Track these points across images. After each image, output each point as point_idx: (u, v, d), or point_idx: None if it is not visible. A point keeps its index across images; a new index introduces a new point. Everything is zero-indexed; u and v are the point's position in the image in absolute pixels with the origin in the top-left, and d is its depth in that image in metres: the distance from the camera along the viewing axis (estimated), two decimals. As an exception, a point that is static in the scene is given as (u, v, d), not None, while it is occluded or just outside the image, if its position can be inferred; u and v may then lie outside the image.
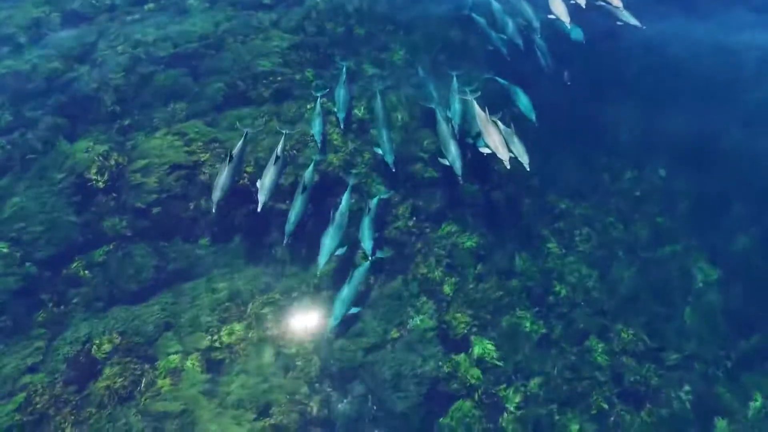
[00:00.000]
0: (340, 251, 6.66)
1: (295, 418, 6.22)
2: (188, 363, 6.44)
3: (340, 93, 7.91)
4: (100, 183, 7.41)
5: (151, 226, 7.30)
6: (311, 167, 7.20)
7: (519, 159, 6.99)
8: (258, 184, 6.79)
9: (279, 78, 8.59)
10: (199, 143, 7.75)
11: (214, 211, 6.71)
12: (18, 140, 7.79)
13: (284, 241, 6.64)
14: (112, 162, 7.54)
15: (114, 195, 7.41)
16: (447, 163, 7.23)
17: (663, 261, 7.95)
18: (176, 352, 6.51)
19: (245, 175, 7.49)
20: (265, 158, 7.48)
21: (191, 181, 7.52)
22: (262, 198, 6.62)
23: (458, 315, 7.03)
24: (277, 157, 6.90)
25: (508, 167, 6.87)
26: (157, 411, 6.11)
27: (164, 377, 6.34)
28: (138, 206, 7.31)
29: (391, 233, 7.50)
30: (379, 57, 9.19)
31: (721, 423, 6.85)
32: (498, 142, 6.98)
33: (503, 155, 6.88)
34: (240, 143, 7.04)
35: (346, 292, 6.53)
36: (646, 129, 8.97)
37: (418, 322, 6.95)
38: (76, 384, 6.29)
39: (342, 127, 7.86)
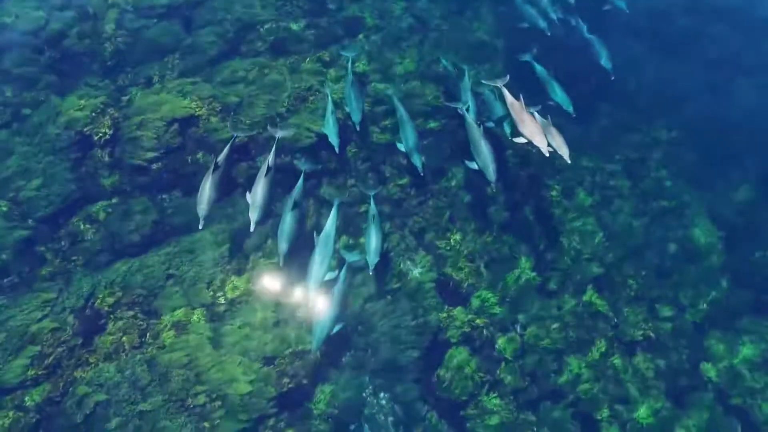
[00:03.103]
0: (329, 276, 6.15)
1: (298, 366, 6.38)
2: (193, 316, 6.55)
3: (351, 92, 7.24)
4: (97, 139, 7.33)
5: (150, 181, 7.29)
6: (300, 181, 6.53)
7: (558, 152, 6.36)
8: (248, 198, 6.13)
9: (273, 28, 8.36)
10: (195, 98, 7.61)
11: (201, 227, 6.16)
12: (12, 97, 7.66)
13: (280, 263, 6.17)
14: (108, 118, 7.44)
15: (111, 151, 7.36)
16: (476, 168, 6.60)
17: (664, 214, 7.97)
18: (180, 306, 6.62)
19: (243, 126, 7.43)
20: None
21: (188, 136, 7.44)
22: (254, 217, 6.01)
23: (458, 266, 7.11)
24: (269, 168, 6.19)
25: (547, 155, 6.24)
26: (163, 362, 6.27)
27: (169, 329, 6.47)
28: (136, 162, 7.26)
29: (391, 189, 7.49)
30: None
31: (708, 367, 7.05)
32: (534, 130, 6.33)
33: (540, 143, 6.23)
34: (226, 149, 6.41)
35: (328, 312, 6.05)
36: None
37: (417, 275, 7.04)
38: (84, 336, 6.44)
39: (358, 129, 7.25)
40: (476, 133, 6.54)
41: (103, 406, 6.07)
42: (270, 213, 6.54)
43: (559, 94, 7.50)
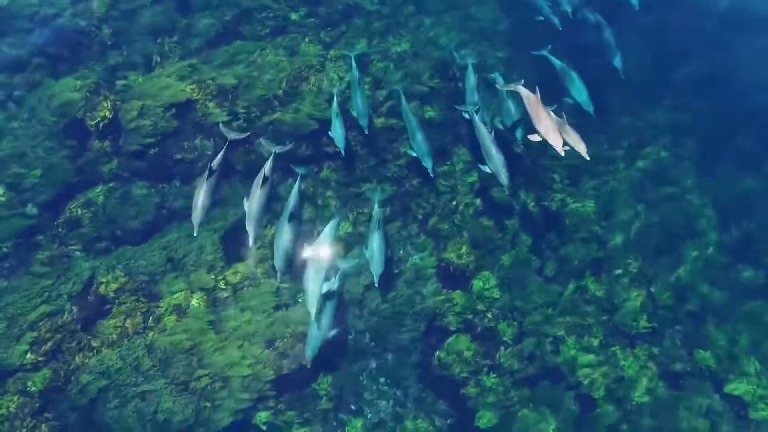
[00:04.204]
0: (327, 287, 6.00)
1: (299, 349, 6.41)
2: (194, 300, 6.60)
3: (357, 93, 6.96)
4: (94, 124, 7.28)
5: (149, 167, 7.26)
6: (296, 188, 6.18)
7: (575, 148, 6.07)
8: (245, 206, 5.84)
9: (272, 13, 8.27)
10: (192, 81, 7.52)
11: (196, 234, 5.97)
12: (6, 80, 7.61)
13: (278, 280, 6.10)
14: (104, 102, 7.37)
15: (108, 136, 7.30)
16: (489, 172, 6.48)
17: (665, 200, 7.97)
18: (181, 290, 6.65)
19: (240, 115, 7.40)
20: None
21: (187, 121, 7.38)
22: (251, 231, 5.71)
23: (458, 252, 7.12)
24: (265, 178, 5.86)
25: (563, 155, 6.03)
26: (165, 346, 6.33)
27: (170, 314, 6.52)
28: (134, 148, 7.21)
29: (391, 170, 7.47)
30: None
31: (703, 355, 7.11)
32: (549, 127, 6.05)
33: (556, 142, 5.98)
34: (221, 154, 6.05)
35: (321, 321, 5.88)
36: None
37: (418, 260, 7.07)
38: (85, 322, 6.50)
39: (366, 133, 7.03)
40: (486, 137, 6.41)
41: (106, 389, 6.15)
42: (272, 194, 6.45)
43: (580, 91, 7.23)
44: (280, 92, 7.52)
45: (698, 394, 6.89)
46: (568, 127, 6.20)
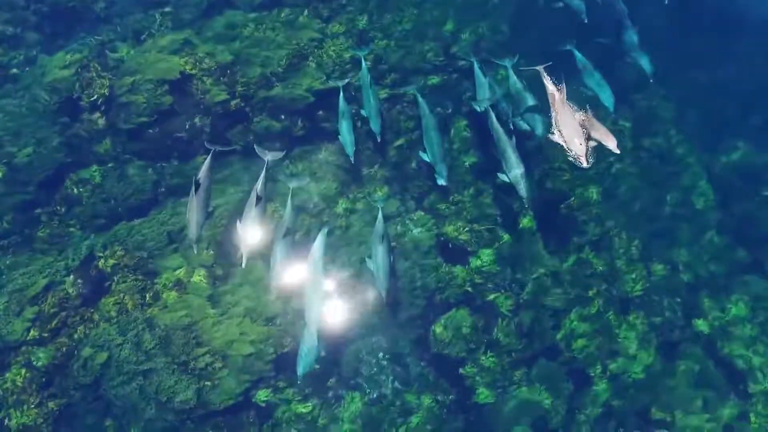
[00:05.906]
0: (326, 302, 5.86)
1: (299, 327, 6.35)
2: (194, 276, 6.59)
3: (369, 94, 6.49)
4: (87, 101, 7.16)
5: (146, 145, 7.19)
6: (289, 206, 5.93)
7: (602, 143, 5.64)
8: (238, 228, 5.62)
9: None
10: (187, 55, 7.37)
11: (195, 252, 6.00)
12: (2, 58, 7.50)
13: (271, 293, 6.10)
14: (96, 77, 7.24)
15: (102, 114, 7.20)
16: (507, 181, 5.99)
17: (662, 176, 7.88)
18: (180, 266, 6.65)
19: (238, 92, 7.25)
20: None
21: (181, 97, 7.25)
22: (246, 250, 5.54)
23: (458, 226, 7.08)
24: (258, 198, 5.58)
25: (586, 166, 5.55)
26: (164, 322, 6.35)
27: (170, 290, 6.52)
28: (128, 126, 7.11)
29: (390, 152, 7.37)
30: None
31: (699, 323, 7.15)
32: (573, 131, 5.52)
33: (579, 150, 5.47)
34: (206, 164, 5.72)
35: (314, 338, 5.66)
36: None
37: (416, 234, 7.03)
38: (86, 298, 6.53)
39: (378, 140, 6.68)
40: (505, 141, 5.90)
41: (108, 367, 6.21)
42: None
43: (603, 89, 6.90)
44: (280, 69, 7.35)
45: (693, 362, 6.94)
46: (594, 122, 5.74)
